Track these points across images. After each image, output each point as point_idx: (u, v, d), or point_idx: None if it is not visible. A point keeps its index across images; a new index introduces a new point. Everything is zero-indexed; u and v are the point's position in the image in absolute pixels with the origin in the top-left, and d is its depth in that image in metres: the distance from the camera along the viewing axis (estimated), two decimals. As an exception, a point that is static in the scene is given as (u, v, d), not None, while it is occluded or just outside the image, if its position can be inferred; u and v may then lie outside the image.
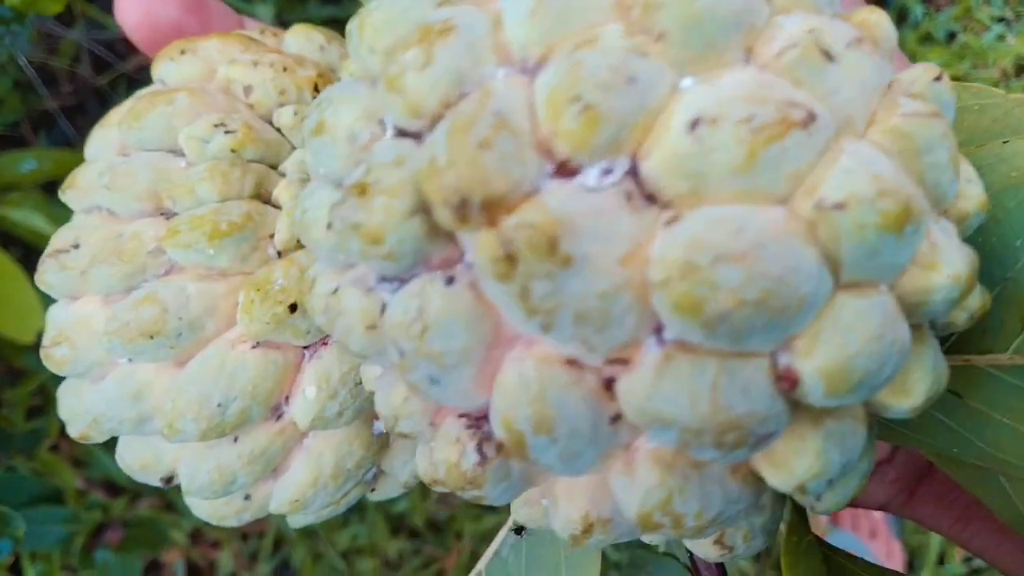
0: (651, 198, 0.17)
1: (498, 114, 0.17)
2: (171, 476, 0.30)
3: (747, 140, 0.17)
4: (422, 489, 1.37)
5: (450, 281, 0.19)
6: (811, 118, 0.17)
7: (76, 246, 0.29)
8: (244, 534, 1.35)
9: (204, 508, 0.32)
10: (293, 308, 0.28)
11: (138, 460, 0.31)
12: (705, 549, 0.25)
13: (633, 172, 0.17)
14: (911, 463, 0.40)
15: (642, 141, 0.17)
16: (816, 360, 0.18)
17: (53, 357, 0.30)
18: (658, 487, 0.20)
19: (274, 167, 0.31)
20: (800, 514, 0.28)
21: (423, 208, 0.18)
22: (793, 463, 0.19)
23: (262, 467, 0.30)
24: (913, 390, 0.19)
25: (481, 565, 0.35)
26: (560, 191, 0.17)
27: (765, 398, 0.18)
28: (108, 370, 0.29)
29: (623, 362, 0.18)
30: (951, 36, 1.54)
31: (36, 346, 1.28)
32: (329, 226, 0.20)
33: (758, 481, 0.20)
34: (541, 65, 0.18)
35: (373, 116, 0.20)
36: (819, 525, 1.37)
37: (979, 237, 0.23)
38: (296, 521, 0.34)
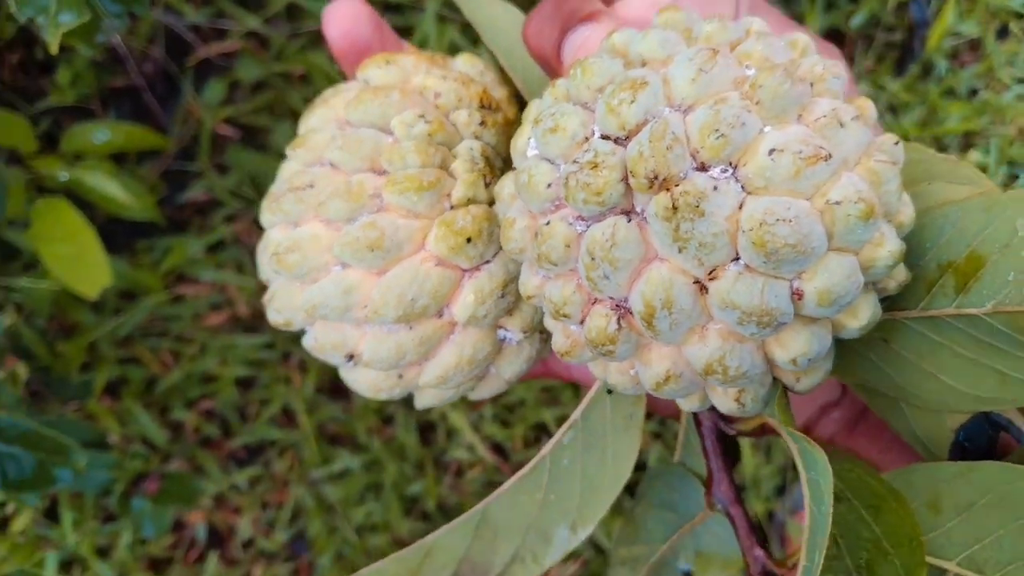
0: (743, 187, 0.32)
1: (675, 133, 0.31)
2: (352, 354, 0.41)
3: (796, 163, 0.31)
4: (436, 474, 1.44)
5: (629, 220, 0.33)
6: (829, 156, 0.31)
7: (311, 186, 0.41)
8: (264, 503, 1.42)
9: (365, 381, 0.43)
10: (469, 240, 0.40)
11: (329, 342, 0.41)
12: (727, 402, 0.37)
13: (735, 172, 0.32)
14: (853, 407, 0.51)
15: (743, 157, 0.31)
16: (812, 284, 0.32)
17: (286, 260, 0.41)
18: (719, 348, 0.33)
19: (450, 149, 0.43)
20: (785, 397, 0.39)
21: (625, 178, 0.33)
22: (791, 344, 0.33)
23: (425, 349, 0.41)
24: (860, 315, 0.33)
25: (546, 449, 0.44)
26: (700, 178, 0.31)
27: (784, 302, 0.32)
28: (322, 275, 0.40)
29: (716, 276, 0.32)
30: (973, 92, 1.62)
31: (95, 304, 1.36)
32: (549, 186, 0.34)
33: (769, 360, 0.35)
34: (691, 109, 0.32)
35: (587, 126, 0.34)
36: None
37: (907, 239, 0.35)
38: (424, 398, 0.44)
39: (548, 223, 0.34)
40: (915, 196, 0.36)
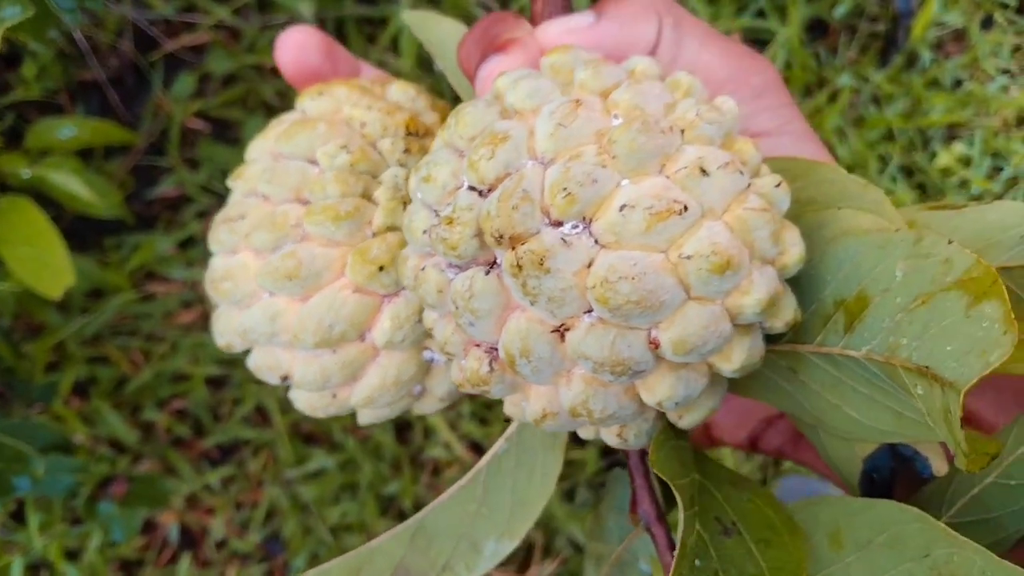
0: (596, 242, 0.32)
1: (524, 191, 0.32)
2: (286, 375, 0.43)
3: (647, 218, 0.31)
4: (413, 473, 1.42)
5: (487, 272, 0.34)
6: (685, 209, 0.31)
7: (243, 217, 0.42)
8: (238, 503, 1.40)
9: (304, 400, 0.44)
10: (381, 268, 0.41)
11: (265, 364, 0.43)
12: (610, 438, 0.38)
13: (589, 228, 0.32)
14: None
15: (596, 213, 0.31)
16: (669, 334, 0.32)
17: (220, 287, 0.42)
18: (582, 392, 0.34)
19: (375, 177, 0.44)
20: (672, 427, 0.38)
21: (478, 234, 0.33)
22: (656, 388, 0.34)
23: (350, 372, 0.42)
24: (733, 359, 0.34)
25: (483, 462, 0.45)
26: (550, 234, 0.32)
27: (640, 351, 0.32)
28: (254, 301, 0.42)
29: (570, 327, 0.33)
30: (957, 83, 1.60)
31: (61, 303, 1.33)
32: (424, 232, 0.35)
33: (640, 401, 0.35)
34: (551, 162, 0.33)
35: (457, 175, 0.35)
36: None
37: (811, 271, 0.36)
38: (364, 417, 0.45)
39: (424, 268, 0.36)
40: (823, 222, 0.36)
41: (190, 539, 1.40)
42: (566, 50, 0.37)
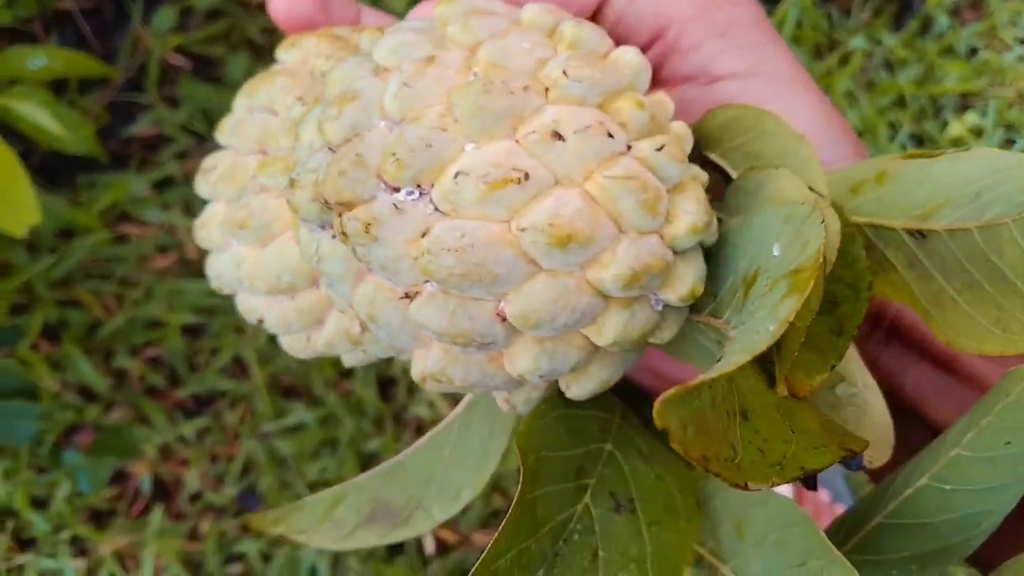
0: (436, 209, 0.30)
1: (358, 155, 0.30)
2: (261, 319, 0.42)
3: (480, 187, 0.29)
4: (395, 431, 1.39)
5: (334, 236, 0.32)
6: (526, 177, 0.29)
7: (214, 167, 0.43)
8: (213, 456, 1.36)
9: (285, 343, 0.43)
10: None
11: (244, 307, 0.43)
12: (501, 403, 0.37)
13: (426, 195, 0.30)
14: None
15: (435, 179, 0.30)
16: (513, 307, 0.30)
17: (199, 235, 0.43)
18: (439, 361, 0.33)
19: None
20: (562, 395, 0.37)
21: (317, 197, 0.32)
22: (516, 361, 0.32)
23: (309, 319, 0.40)
24: (604, 333, 0.32)
25: (459, 409, 0.45)
26: (384, 200, 0.30)
27: (484, 323, 0.31)
28: (226, 248, 0.41)
29: (412, 296, 0.31)
30: (973, 51, 1.54)
31: (27, 242, 1.27)
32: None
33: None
34: (400, 124, 0.31)
35: (319, 136, 0.33)
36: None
37: (739, 238, 0.33)
38: (345, 360, 0.45)
39: (300, 228, 0.36)
40: (761, 182, 0.34)
41: (163, 490, 1.36)
42: (452, 1, 0.35)
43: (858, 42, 1.50)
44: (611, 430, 0.39)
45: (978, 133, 1.53)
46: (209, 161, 0.44)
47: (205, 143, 1.36)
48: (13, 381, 1.02)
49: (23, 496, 1.27)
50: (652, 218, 0.31)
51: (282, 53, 0.45)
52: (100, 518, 1.33)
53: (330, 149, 0.32)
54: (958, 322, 0.33)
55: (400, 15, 0.50)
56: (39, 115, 1.05)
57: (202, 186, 0.43)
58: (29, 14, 1.30)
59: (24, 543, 1.30)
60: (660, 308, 0.33)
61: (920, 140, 1.53)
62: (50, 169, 1.31)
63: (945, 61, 1.52)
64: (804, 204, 0.31)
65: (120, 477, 1.34)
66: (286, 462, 1.36)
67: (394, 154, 0.30)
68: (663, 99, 0.34)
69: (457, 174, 0.29)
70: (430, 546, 1.36)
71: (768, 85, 0.40)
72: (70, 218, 1.25)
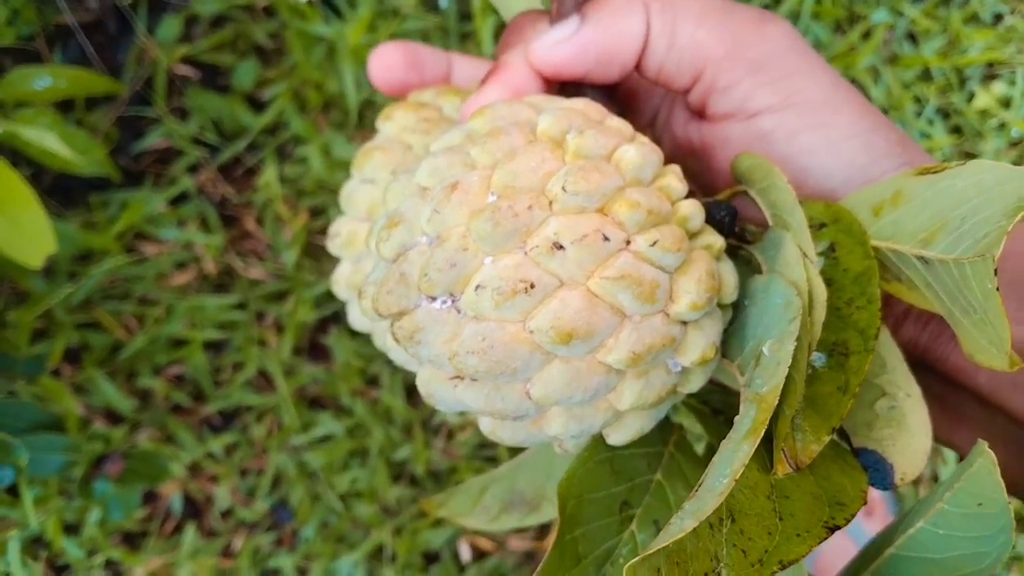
0: (464, 315, 0.35)
1: (402, 274, 0.36)
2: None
3: (494, 297, 0.34)
4: (425, 438, 1.36)
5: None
6: (532, 286, 0.34)
7: (338, 234, 0.50)
8: (243, 471, 1.35)
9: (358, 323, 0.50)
10: None
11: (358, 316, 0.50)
12: (556, 448, 0.41)
13: (456, 303, 0.35)
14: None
15: (463, 289, 0.35)
16: (536, 389, 0.35)
17: (335, 288, 0.50)
18: (489, 425, 0.39)
19: None
20: (603, 440, 0.41)
21: (374, 309, 0.38)
22: (550, 427, 0.37)
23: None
24: (623, 400, 0.36)
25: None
26: (423, 309, 0.36)
27: (516, 402, 0.36)
28: (353, 302, 0.50)
29: (459, 378, 0.37)
30: (998, 18, 1.49)
31: (45, 269, 1.25)
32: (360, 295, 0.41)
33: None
34: (435, 239, 0.36)
35: (377, 253, 0.39)
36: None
37: (759, 303, 0.38)
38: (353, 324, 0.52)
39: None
40: (779, 242, 0.39)
41: (194, 508, 1.35)
42: (483, 114, 0.40)
43: (880, 15, 1.45)
44: (661, 461, 0.43)
45: (1006, 103, 1.49)
46: (334, 228, 0.51)
47: (217, 154, 1.33)
48: (38, 414, 1.00)
49: (55, 523, 1.26)
50: (651, 304, 0.35)
51: (380, 123, 0.52)
52: (133, 540, 1.32)
53: (386, 262, 0.38)
54: (969, 338, 0.35)
55: (488, 53, 0.56)
56: (47, 139, 1.02)
57: (332, 247, 0.50)
58: (32, 31, 1.27)
59: (59, 570, 1.29)
60: (678, 370, 0.37)
61: (946, 114, 1.48)
62: (62, 190, 1.28)
63: (970, 30, 1.47)
64: (798, 297, 0.36)
65: (151, 497, 1.33)
66: (316, 474, 1.34)
67: (426, 274, 0.35)
68: (670, 182, 0.38)
69: (477, 287, 0.34)
70: (466, 553, 1.35)
71: (799, 116, 0.42)
72: (86, 242, 1.22)
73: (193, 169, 1.33)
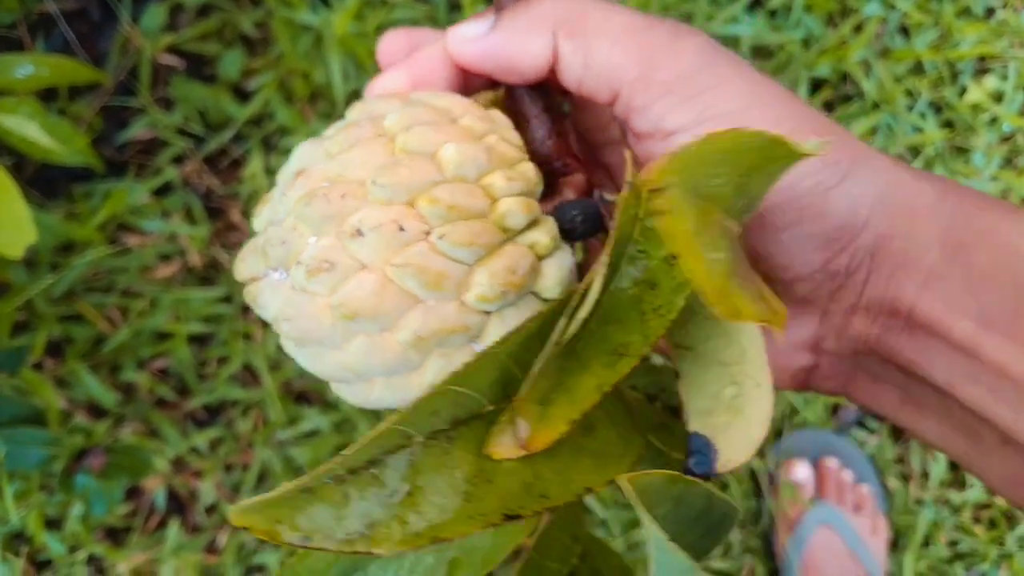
0: (294, 289, 0.38)
1: (258, 246, 0.41)
2: None
3: (304, 273, 0.37)
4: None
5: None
6: (332, 266, 0.37)
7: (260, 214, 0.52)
8: (228, 465, 1.33)
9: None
10: None
11: None
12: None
13: (290, 276, 0.39)
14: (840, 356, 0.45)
15: (291, 264, 0.38)
16: (345, 358, 0.38)
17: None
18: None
19: None
20: None
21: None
22: (372, 393, 0.40)
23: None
24: (423, 378, 0.39)
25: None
26: (270, 278, 0.39)
27: (332, 367, 0.39)
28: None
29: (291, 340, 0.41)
30: (990, 11, 1.49)
31: (26, 259, 1.23)
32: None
33: None
34: (284, 218, 0.40)
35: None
36: (800, 500, 1.36)
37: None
38: None
39: None
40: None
41: (178, 504, 1.33)
42: (359, 105, 0.43)
43: (873, 8, 1.45)
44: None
45: (998, 98, 1.48)
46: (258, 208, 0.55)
47: (202, 145, 1.31)
48: (18, 407, 0.98)
49: (36, 518, 1.24)
50: (440, 292, 0.38)
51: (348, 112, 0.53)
52: (116, 536, 1.30)
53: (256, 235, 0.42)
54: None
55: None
56: (29, 128, 1.01)
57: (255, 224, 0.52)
58: (13, 19, 1.25)
59: (40, 565, 1.27)
60: (479, 349, 0.40)
61: (939, 108, 1.48)
62: (44, 180, 1.26)
63: (962, 23, 1.46)
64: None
65: (134, 492, 1.31)
66: (302, 470, 1.33)
67: (263, 248, 0.39)
68: (494, 181, 0.39)
69: (297, 263, 0.38)
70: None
71: (715, 130, 0.42)
72: (68, 233, 1.20)
73: (178, 160, 1.31)
